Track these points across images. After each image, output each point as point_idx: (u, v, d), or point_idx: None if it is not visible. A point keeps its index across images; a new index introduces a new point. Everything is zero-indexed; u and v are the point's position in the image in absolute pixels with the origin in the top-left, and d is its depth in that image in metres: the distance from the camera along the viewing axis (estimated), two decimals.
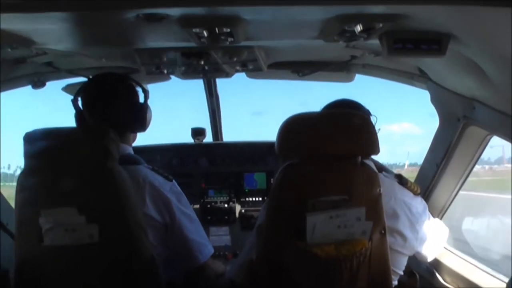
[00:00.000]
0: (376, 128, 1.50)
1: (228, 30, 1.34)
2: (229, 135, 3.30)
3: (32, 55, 1.75)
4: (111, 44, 1.75)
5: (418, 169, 2.28)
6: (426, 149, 2.14)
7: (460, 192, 2.08)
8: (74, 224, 1.41)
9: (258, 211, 1.65)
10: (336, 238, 1.38)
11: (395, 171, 1.89)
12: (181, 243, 1.68)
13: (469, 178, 2.05)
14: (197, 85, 2.92)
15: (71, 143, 1.49)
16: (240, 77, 2.39)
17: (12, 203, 1.98)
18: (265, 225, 1.47)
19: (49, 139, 1.49)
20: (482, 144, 1.90)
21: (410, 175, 2.32)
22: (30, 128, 1.50)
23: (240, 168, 2.86)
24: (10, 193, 2.23)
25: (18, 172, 1.55)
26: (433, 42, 1.37)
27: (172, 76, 2.36)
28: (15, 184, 1.54)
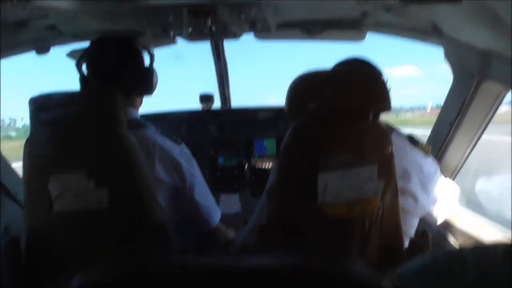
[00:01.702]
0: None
1: None
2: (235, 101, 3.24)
3: (34, 16, 1.69)
4: None
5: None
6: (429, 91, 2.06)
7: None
8: (83, 189, 1.40)
9: (268, 177, 1.62)
10: (348, 197, 1.36)
11: (403, 116, 1.84)
12: (192, 207, 1.68)
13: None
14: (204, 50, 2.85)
15: (78, 107, 1.46)
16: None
17: None
18: (276, 187, 1.44)
19: (56, 104, 1.46)
20: (496, 101, 1.86)
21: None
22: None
23: (250, 134, 2.82)
24: None
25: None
26: None
27: (179, 40, 2.30)
28: None
